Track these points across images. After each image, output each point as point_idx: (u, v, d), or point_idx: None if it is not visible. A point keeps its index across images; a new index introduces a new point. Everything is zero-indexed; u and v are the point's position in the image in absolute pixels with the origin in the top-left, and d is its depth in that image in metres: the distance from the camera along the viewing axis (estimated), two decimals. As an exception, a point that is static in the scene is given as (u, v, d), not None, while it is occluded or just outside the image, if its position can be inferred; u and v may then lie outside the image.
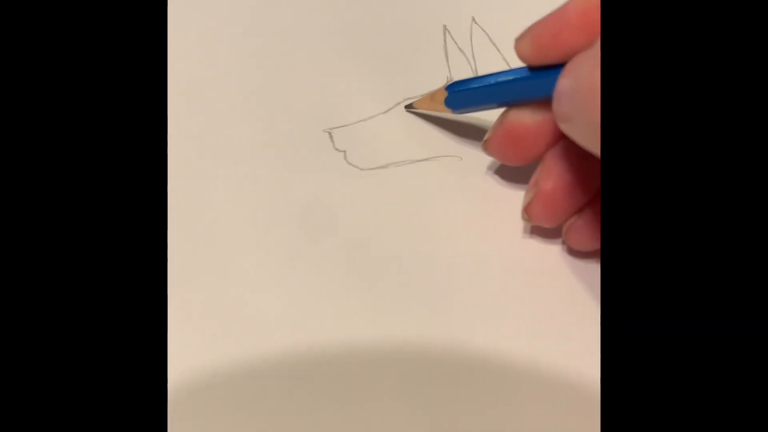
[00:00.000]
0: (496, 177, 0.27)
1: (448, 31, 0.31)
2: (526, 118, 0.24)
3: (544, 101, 0.23)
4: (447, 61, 0.30)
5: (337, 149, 0.27)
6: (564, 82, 0.21)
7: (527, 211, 0.24)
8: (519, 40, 0.23)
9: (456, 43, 0.30)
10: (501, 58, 0.30)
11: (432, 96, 0.27)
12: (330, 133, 0.28)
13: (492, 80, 0.25)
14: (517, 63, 0.29)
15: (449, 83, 0.26)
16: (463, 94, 0.26)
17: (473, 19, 0.31)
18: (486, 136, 0.25)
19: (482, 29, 0.31)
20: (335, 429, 0.21)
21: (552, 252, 0.25)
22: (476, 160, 0.27)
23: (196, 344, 0.22)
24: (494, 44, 0.30)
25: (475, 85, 0.25)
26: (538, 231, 0.25)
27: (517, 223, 0.25)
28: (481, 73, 0.29)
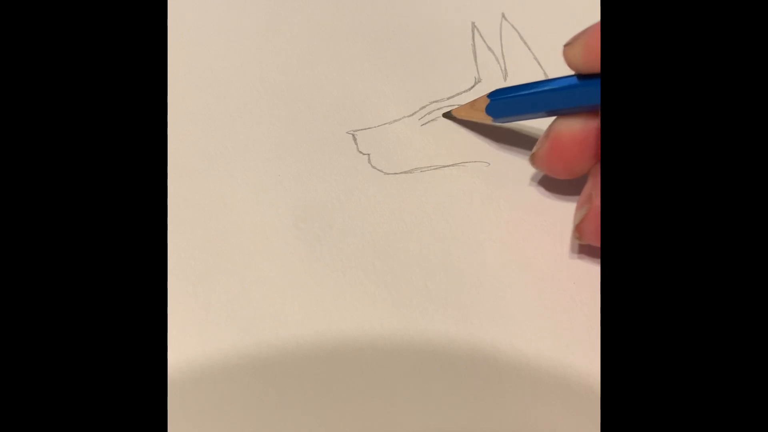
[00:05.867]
0: (523, 183, 0.26)
1: (477, 29, 0.30)
2: (575, 128, 0.23)
3: (593, 110, 0.22)
4: (475, 60, 0.29)
5: (360, 152, 0.26)
6: None
7: (579, 229, 0.23)
8: (569, 47, 0.22)
9: (485, 41, 0.29)
10: (532, 57, 0.29)
11: (473, 104, 0.26)
12: (354, 136, 0.27)
13: (539, 88, 0.23)
14: (548, 63, 0.29)
15: (492, 91, 0.25)
16: (507, 101, 0.24)
17: (503, 15, 0.30)
18: (534, 150, 0.24)
19: (512, 26, 0.30)
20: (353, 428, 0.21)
21: (579, 259, 0.24)
22: (503, 166, 0.26)
23: (226, 345, 0.22)
24: (525, 42, 0.29)
25: (521, 93, 0.24)
26: (564, 238, 0.24)
27: (544, 230, 0.25)
28: (510, 72, 0.28)
